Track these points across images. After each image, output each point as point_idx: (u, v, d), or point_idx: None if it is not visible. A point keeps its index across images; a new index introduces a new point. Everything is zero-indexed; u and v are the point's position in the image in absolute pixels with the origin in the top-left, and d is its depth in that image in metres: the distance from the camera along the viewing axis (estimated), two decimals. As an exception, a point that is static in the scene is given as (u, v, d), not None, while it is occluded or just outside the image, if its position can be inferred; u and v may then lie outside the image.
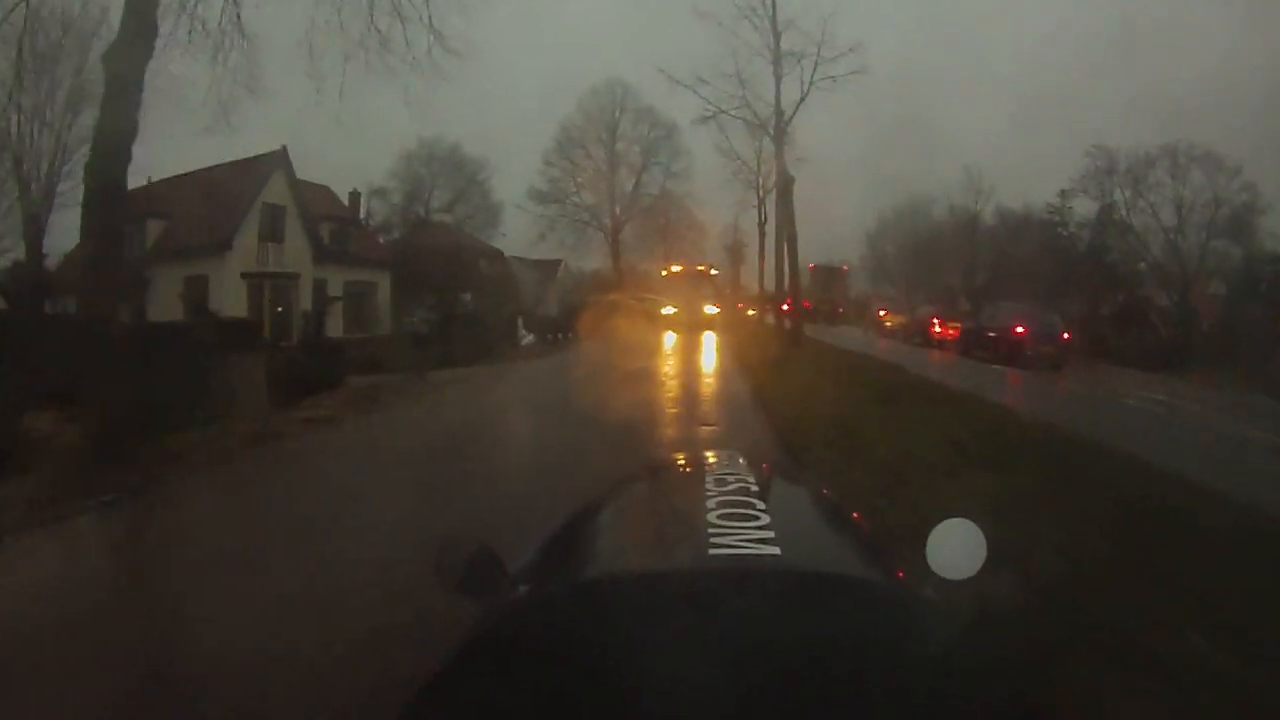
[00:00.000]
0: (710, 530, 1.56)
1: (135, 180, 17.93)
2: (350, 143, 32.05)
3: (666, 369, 14.41)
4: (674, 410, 10.38)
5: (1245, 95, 29.32)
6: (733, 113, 20.70)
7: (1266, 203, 24.51)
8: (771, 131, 19.47)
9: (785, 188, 18.72)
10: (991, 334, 18.06)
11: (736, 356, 15.95)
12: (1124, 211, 26.33)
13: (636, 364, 14.70)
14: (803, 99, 19.66)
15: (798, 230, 21.14)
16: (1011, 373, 16.21)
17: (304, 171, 20.45)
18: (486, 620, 1.45)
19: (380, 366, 16.05)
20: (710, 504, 1.72)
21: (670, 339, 21.36)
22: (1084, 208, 27.23)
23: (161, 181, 19.11)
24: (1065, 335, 17.74)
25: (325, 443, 9.13)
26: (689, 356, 16.87)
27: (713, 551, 1.48)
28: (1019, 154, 36.02)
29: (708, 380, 13.29)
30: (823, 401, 9.54)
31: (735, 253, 33.46)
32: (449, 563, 1.63)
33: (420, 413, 11.23)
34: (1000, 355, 17.47)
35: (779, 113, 19.35)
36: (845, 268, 34.26)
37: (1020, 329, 17.21)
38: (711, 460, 2.46)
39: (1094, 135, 26.29)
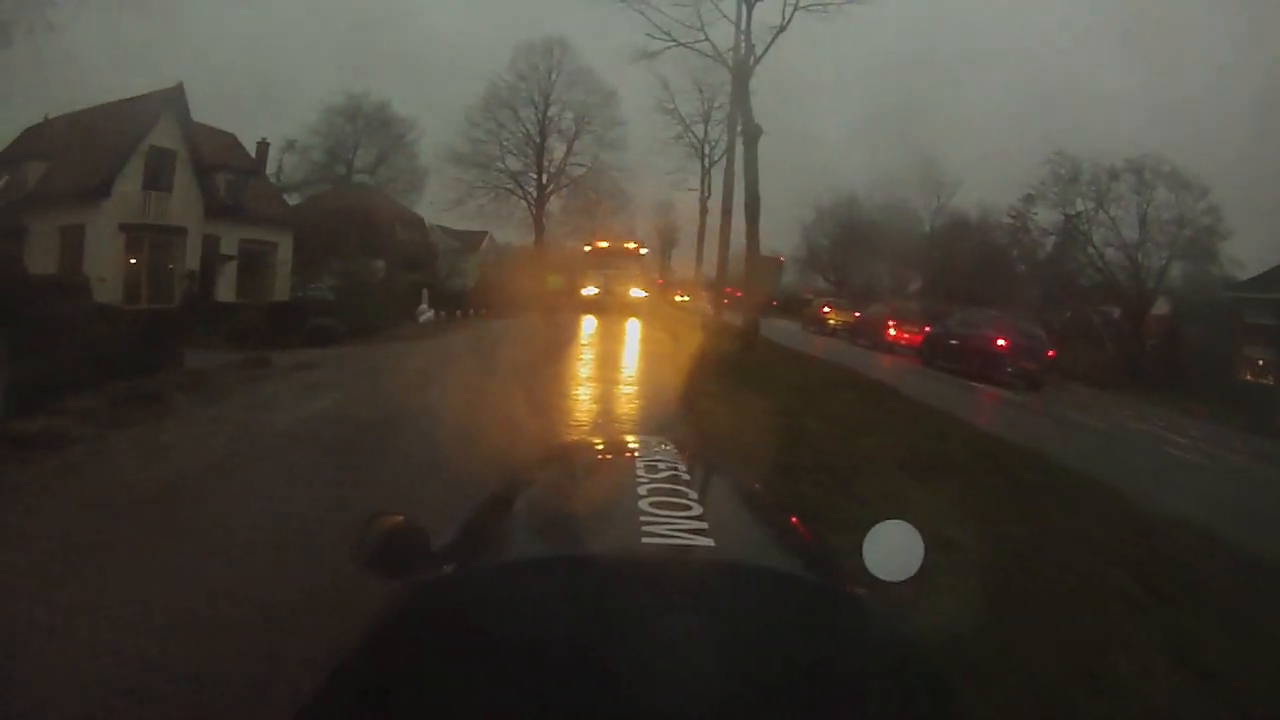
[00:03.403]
0: (642, 517, 1.48)
1: (32, 117, 17.48)
2: (278, 92, 29.76)
3: (571, 380, 10.71)
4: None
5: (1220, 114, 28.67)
6: (687, 44, 17.45)
7: (1229, 228, 23.43)
8: (731, 65, 16.09)
9: (750, 140, 15.12)
10: (965, 344, 15.31)
11: (672, 363, 11.86)
12: (1085, 223, 24.97)
13: (538, 364, 11.12)
14: (782, 27, 16.38)
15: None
16: (1002, 394, 13.51)
17: (219, 119, 18.57)
18: (405, 598, 1.31)
19: (243, 340, 13.93)
20: (641, 490, 1.64)
21: (588, 326, 17.78)
22: (1043, 215, 25.95)
23: (56, 119, 17.20)
24: (1050, 352, 15.20)
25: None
26: (605, 359, 13.23)
27: (644, 540, 1.40)
28: (979, 156, 34.48)
29: (627, 414, 8.85)
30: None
31: (667, 234, 30.84)
32: (368, 539, 1.44)
33: (201, 430, 7.24)
34: (973, 369, 14.82)
35: (747, 46, 15.96)
36: (781, 259, 32.13)
37: (1002, 341, 14.54)
38: (636, 444, 2.24)
39: (1053, 142, 25.15)
